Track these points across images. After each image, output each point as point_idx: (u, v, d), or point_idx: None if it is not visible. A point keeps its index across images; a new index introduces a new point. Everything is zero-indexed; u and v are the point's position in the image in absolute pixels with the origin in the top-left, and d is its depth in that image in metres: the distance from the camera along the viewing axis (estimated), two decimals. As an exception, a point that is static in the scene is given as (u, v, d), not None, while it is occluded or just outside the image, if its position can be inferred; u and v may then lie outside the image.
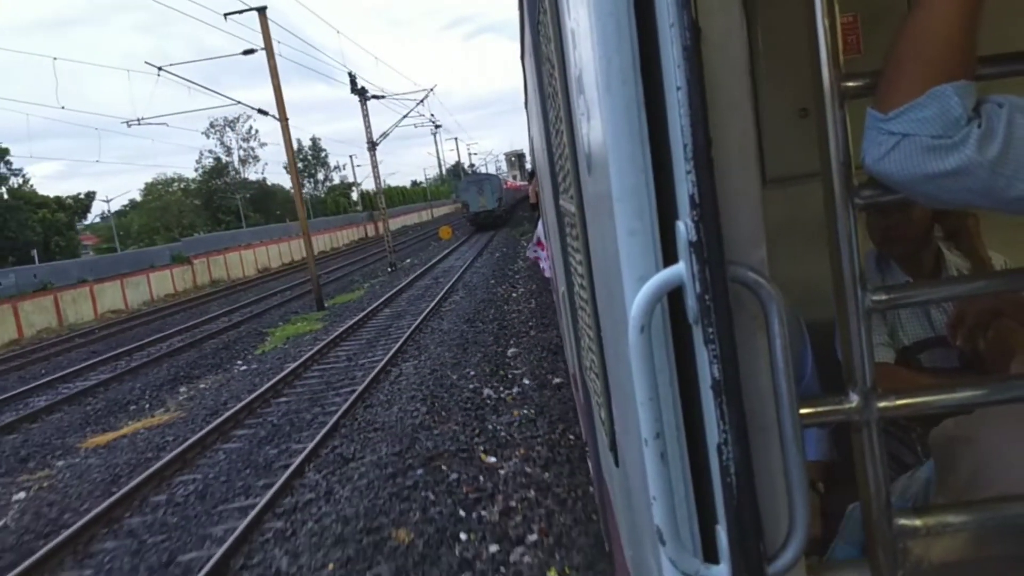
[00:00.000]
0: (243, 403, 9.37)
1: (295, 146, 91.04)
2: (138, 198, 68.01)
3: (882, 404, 0.96)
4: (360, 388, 9.38)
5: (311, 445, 7.28)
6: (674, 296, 0.84)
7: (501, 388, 8.80)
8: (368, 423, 8.02)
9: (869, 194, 0.96)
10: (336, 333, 13.87)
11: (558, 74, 1.32)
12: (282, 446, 7.71)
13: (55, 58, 25.88)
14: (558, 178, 1.83)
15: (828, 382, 1.92)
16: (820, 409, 0.98)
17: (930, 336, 2.03)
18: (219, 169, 72.51)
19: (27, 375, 15.05)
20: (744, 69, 0.82)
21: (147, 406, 10.80)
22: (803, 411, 0.95)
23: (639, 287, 0.83)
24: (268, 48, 16.90)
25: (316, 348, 12.61)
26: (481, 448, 6.76)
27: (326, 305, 19.34)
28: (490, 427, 7.35)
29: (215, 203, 68.16)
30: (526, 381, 8.95)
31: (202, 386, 11.70)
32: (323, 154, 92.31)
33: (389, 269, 27.17)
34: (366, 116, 25.94)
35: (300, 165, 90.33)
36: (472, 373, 9.68)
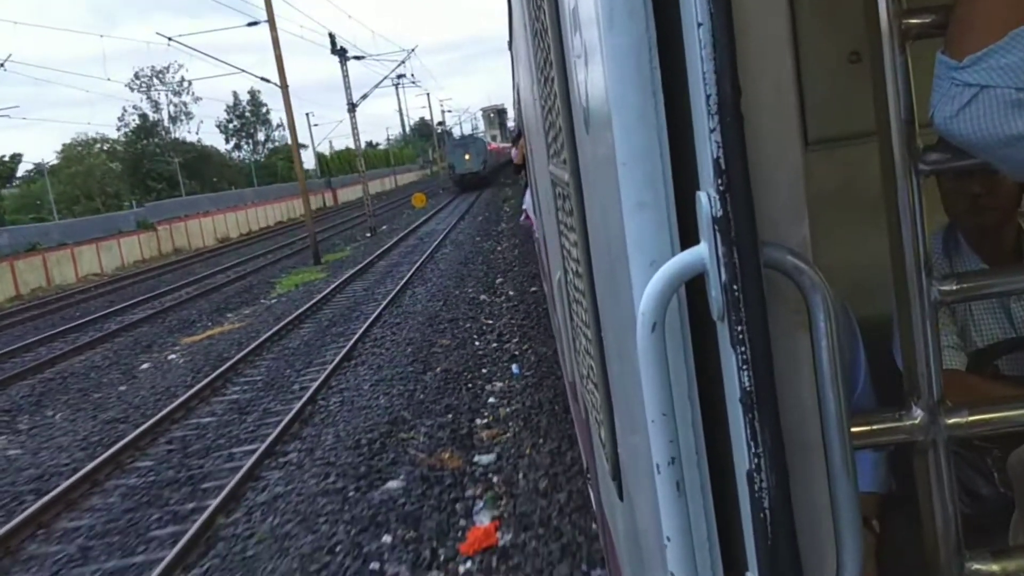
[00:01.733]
0: (297, 313, 16.03)
1: (231, 100, 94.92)
2: (55, 161, 73.20)
3: (951, 421, 0.97)
4: (387, 300, 16.12)
5: (368, 323, 14.00)
6: (694, 286, 0.85)
7: (493, 296, 15.61)
8: (403, 312, 14.83)
9: (936, 159, 0.97)
10: (344, 277, 20.54)
11: (548, 5, 1.31)
12: (344, 327, 14.43)
13: None
14: (548, 137, 1.90)
15: (885, 394, 1.93)
16: (876, 427, 1.00)
17: (1011, 336, 2.02)
18: (147, 128, 78.02)
19: (65, 316, 21.48)
20: (782, 2, 0.82)
21: (209, 324, 17.39)
22: (855, 429, 0.95)
23: (650, 274, 0.84)
24: (271, 22, 23.41)
25: (333, 285, 19.26)
26: (483, 316, 13.58)
27: (321, 260, 25.94)
28: (486, 309, 14.18)
29: (144, 168, 73.68)
30: (511, 292, 15.76)
31: (246, 312, 18.32)
32: (264, 110, 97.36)
33: (368, 234, 33.80)
34: (346, 77, 32.43)
35: (236, 123, 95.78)
36: (470, 290, 16.49)
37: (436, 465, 7.37)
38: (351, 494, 6.84)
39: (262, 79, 24.86)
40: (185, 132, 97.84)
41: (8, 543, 6.72)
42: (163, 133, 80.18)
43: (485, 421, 8.47)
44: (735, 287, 0.79)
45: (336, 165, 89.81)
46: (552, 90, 1.57)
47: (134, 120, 78.40)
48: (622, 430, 1.30)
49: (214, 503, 6.86)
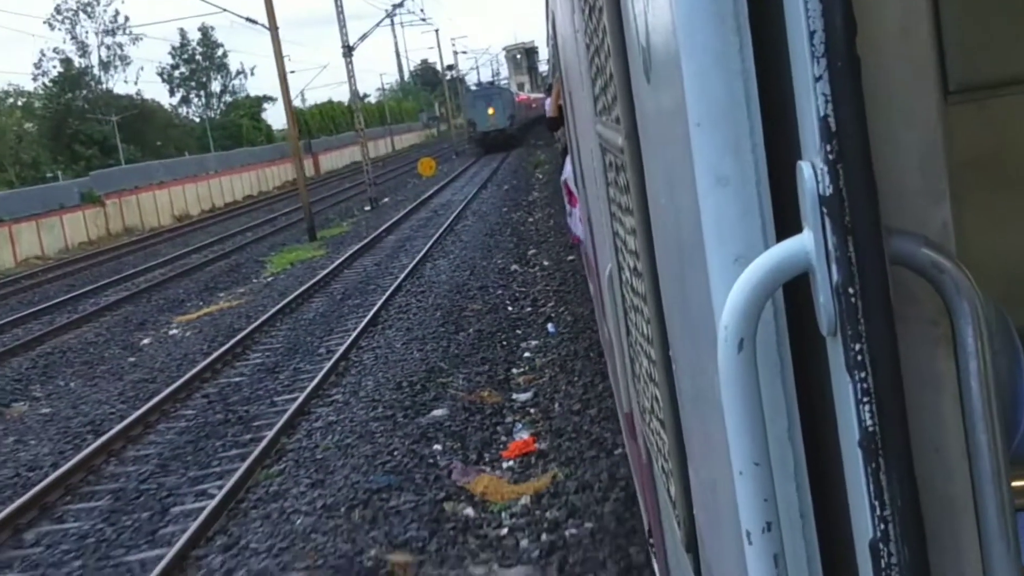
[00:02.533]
0: (302, 289, 19.44)
1: (176, 40, 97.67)
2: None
3: None
4: (405, 273, 19.51)
5: (388, 293, 17.37)
6: (795, 289, 0.89)
7: (526, 266, 18.95)
8: (426, 281, 18.25)
9: None
10: (348, 254, 23.99)
11: None
12: (361, 299, 17.82)
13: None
14: (595, 87, 2.00)
15: None
16: None
17: None
18: (72, 78, 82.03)
19: (23, 301, 25.11)
20: None
21: (201, 303, 20.88)
22: (1017, 484, 0.96)
23: (735, 274, 0.88)
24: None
25: (338, 261, 22.70)
26: (515, 284, 16.93)
27: (317, 236, 29.43)
28: (519, 279, 17.55)
29: (70, 129, 77.58)
30: (545, 262, 19.09)
31: (240, 291, 21.81)
32: (219, 52, 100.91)
33: (368, 207, 37.32)
34: (340, 12, 35.91)
35: (184, 70, 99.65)
36: (499, 261, 19.85)
37: (476, 400, 10.65)
38: (400, 419, 10.15)
39: (247, 20, 28.33)
40: (121, 82, 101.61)
41: (89, 463, 10.09)
42: (93, 84, 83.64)
43: (521, 370, 11.75)
44: (851, 290, 0.81)
45: (317, 123, 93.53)
46: (600, 23, 1.63)
47: (55, 67, 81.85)
48: (699, 485, 1.35)
49: (272, 432, 10.18)
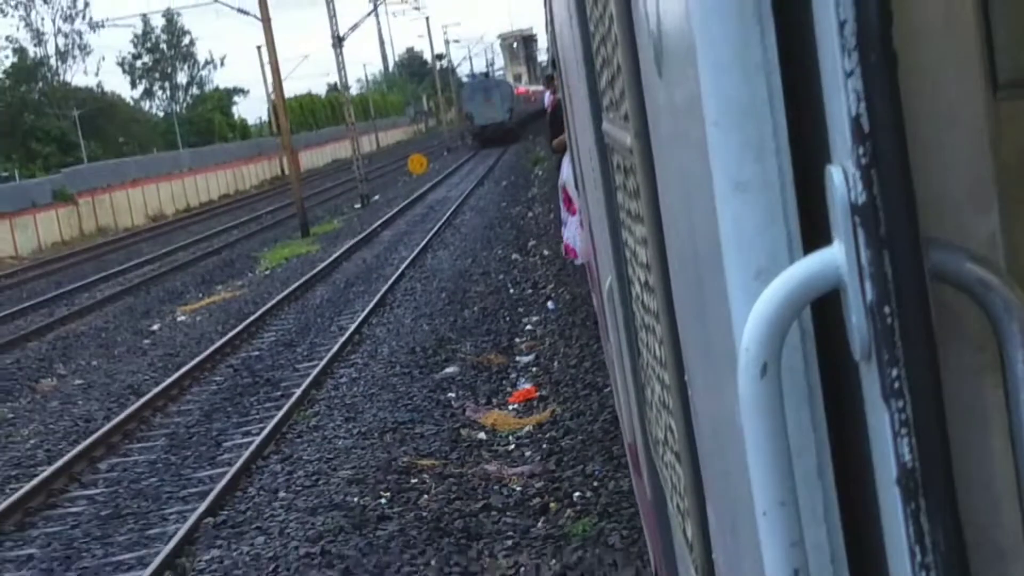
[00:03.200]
0: (304, 279, 22.22)
1: (140, 26, 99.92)
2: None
3: None
4: (407, 263, 22.32)
5: (392, 280, 20.17)
6: (824, 308, 0.91)
7: (526, 256, 21.78)
8: (429, 269, 21.14)
9: None
10: (343, 248, 26.82)
11: None
12: (365, 287, 20.63)
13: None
14: (599, 82, 2.06)
15: None
16: None
17: None
18: (28, 69, 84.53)
19: (12, 298, 27.87)
20: None
21: (200, 295, 23.66)
22: None
23: (757, 291, 0.90)
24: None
25: (335, 255, 25.54)
26: (516, 271, 19.76)
27: (310, 232, 32.26)
28: (520, 266, 20.40)
29: (26, 124, 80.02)
30: (545, 252, 21.91)
31: (238, 283, 24.63)
32: (186, 41, 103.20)
33: (358, 204, 40.17)
34: (331, 2, 38.71)
35: (147, 60, 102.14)
36: (500, 252, 22.69)
37: (484, 362, 13.42)
38: (416, 375, 12.93)
39: (239, 11, 31.07)
40: (80, 73, 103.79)
41: (140, 415, 12.82)
42: (49, 75, 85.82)
43: (524, 339, 14.54)
44: (887, 310, 0.83)
45: (297, 117, 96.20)
46: (607, 9, 1.70)
47: (8, 57, 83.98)
48: (719, 526, 1.40)
49: (302, 388, 12.92)
